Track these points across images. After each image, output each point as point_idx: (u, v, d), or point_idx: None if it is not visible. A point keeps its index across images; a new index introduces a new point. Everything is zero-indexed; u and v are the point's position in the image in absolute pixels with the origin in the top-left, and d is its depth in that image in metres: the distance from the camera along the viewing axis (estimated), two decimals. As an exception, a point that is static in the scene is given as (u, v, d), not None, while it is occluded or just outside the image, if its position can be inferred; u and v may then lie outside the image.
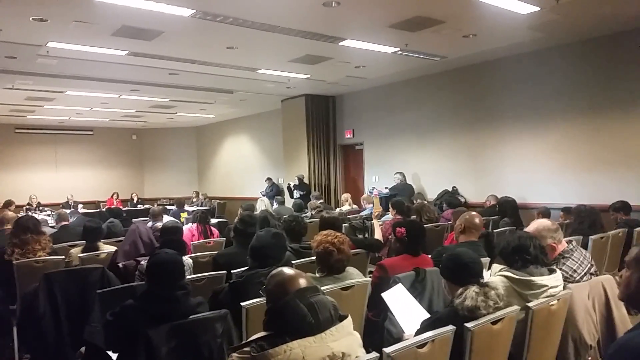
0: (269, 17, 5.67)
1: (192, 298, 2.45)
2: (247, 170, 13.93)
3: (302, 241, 4.14)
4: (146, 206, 11.99)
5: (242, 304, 2.56)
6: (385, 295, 2.77)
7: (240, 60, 7.62)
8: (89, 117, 13.22)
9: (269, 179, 12.39)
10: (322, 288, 2.40)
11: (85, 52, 6.77)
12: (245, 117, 13.98)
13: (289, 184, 10.70)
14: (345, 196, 8.92)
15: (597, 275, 2.94)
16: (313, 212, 7.87)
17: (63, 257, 4.39)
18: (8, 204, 9.99)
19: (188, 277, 3.23)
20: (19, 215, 5.14)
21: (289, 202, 9.72)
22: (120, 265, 3.76)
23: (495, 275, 2.62)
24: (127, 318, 2.32)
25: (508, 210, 6.02)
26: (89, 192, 14.43)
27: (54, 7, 5.19)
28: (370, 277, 3.36)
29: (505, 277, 2.54)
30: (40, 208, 11.71)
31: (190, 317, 2.35)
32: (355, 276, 3.03)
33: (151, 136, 16.26)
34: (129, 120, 14.19)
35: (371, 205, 7.87)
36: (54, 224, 6.11)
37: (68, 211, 7.98)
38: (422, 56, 7.52)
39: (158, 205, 9.43)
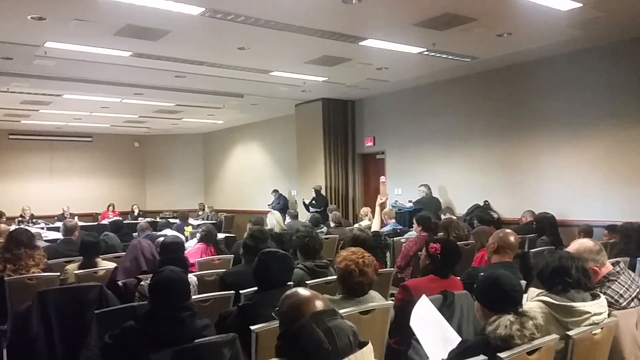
0: (284, 16, 5.74)
1: (198, 320, 2.47)
2: (258, 181, 14.01)
3: (319, 258, 4.14)
4: (148, 219, 12.10)
5: (252, 327, 2.57)
6: (413, 313, 2.74)
7: (252, 62, 7.71)
8: (88, 123, 13.44)
9: (275, 190, 12.48)
10: (341, 311, 2.40)
11: (86, 52, 6.91)
12: (256, 123, 14.09)
13: (303, 201, 10.63)
14: (365, 210, 8.87)
15: (646, 302, 2.89)
16: (332, 225, 7.87)
17: (58, 274, 4.46)
18: (-2, 215, 10.15)
19: (193, 297, 3.25)
20: (12, 228, 5.24)
21: (303, 216, 9.73)
22: (120, 283, 3.80)
23: (532, 300, 2.60)
24: (127, 341, 2.35)
25: (546, 228, 5.95)
26: (87, 203, 14.62)
27: (53, 5, 5.31)
28: (392, 300, 3.35)
29: (543, 302, 2.51)
30: (34, 220, 11.88)
31: (196, 340, 2.36)
32: (376, 299, 3.02)
33: (154, 143, 16.47)
34: (131, 126, 14.39)
35: (393, 220, 7.82)
36: (61, 237, 6.18)
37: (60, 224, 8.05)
38: (450, 57, 7.52)
39: (161, 218, 9.51)
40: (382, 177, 7.38)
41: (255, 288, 3.10)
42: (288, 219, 8.53)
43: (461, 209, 8.75)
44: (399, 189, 10.03)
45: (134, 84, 9.08)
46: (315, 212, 9.29)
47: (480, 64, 8.02)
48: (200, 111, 12.16)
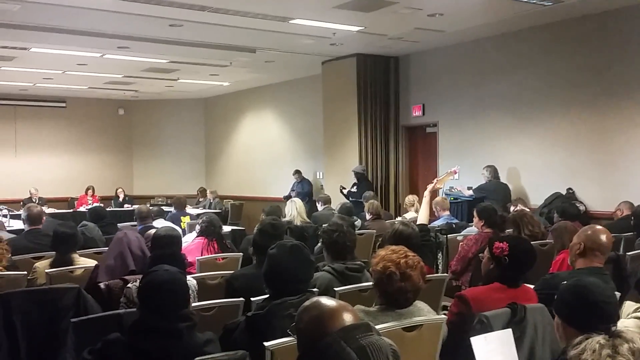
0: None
1: (199, 333, 2.52)
2: (274, 159, 14.09)
3: (351, 259, 4.16)
4: (136, 206, 12.26)
5: (266, 344, 2.60)
6: (475, 341, 2.72)
7: (266, 6, 7.70)
8: (61, 84, 13.62)
9: (297, 172, 12.49)
10: (378, 327, 2.42)
11: (58, -6, 7.00)
12: (271, 85, 14.12)
13: (341, 189, 10.54)
14: (411, 199, 8.87)
15: None
16: (369, 217, 7.88)
17: (25, 272, 4.55)
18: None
19: (193, 304, 3.30)
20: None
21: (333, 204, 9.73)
22: (102, 285, 3.87)
23: (628, 317, 2.57)
24: (111, 357, 2.40)
25: (649, 225, 5.88)
26: (60, 185, 14.91)
27: None
28: (445, 313, 3.35)
29: (643, 319, 2.49)
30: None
31: (197, 359, 2.40)
32: (423, 312, 3.04)
33: (144, 111, 16.65)
34: (114, 89, 14.55)
35: (447, 212, 7.81)
36: (22, 227, 6.32)
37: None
38: None
39: (152, 205, 9.63)
40: (456, 166, 7.35)
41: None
42: (319, 207, 8.57)
43: (537, 199, 8.68)
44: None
45: (117, 35, 9.14)
46: (356, 202, 9.19)
47: (565, 8, 7.86)
48: (200, 70, 12.22)
